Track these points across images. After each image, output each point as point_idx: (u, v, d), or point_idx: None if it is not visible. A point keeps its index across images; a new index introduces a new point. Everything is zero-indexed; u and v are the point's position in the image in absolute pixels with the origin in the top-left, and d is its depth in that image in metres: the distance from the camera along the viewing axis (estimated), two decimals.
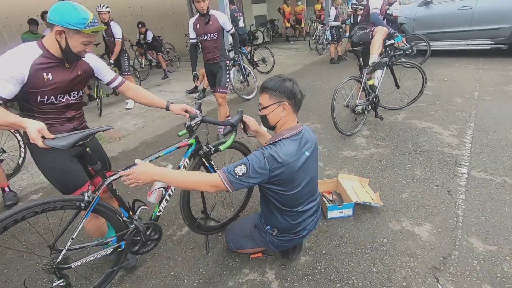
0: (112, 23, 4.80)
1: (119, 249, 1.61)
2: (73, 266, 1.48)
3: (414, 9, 6.61)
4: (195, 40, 3.13)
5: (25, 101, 1.41)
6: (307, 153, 1.45)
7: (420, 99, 4.23)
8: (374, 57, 3.34)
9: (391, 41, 3.42)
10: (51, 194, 2.86)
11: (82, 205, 1.39)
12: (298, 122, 1.50)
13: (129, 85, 1.77)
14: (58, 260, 1.38)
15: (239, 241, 1.81)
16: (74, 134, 1.33)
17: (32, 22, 6.01)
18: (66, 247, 1.39)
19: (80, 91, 1.58)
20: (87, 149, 1.43)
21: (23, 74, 1.31)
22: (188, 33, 3.25)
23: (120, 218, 1.58)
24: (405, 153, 2.92)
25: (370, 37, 3.40)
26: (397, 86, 3.78)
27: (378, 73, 3.51)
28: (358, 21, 3.45)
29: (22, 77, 1.31)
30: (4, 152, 3.16)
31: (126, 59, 5.18)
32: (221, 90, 3.28)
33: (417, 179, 2.49)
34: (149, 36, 7.25)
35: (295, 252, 1.77)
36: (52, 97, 1.43)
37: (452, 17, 6.20)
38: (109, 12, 4.68)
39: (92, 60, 1.59)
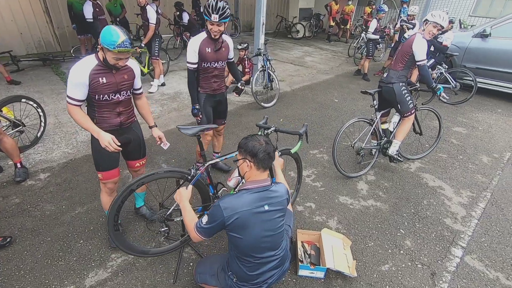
0: (148, 8, 4.84)
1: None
2: (175, 220, 2.09)
3: (468, 39, 6.01)
4: (196, 66, 2.55)
5: (89, 98, 1.87)
6: (266, 207, 1.58)
7: (443, 149, 3.98)
8: (397, 145, 3.24)
9: (416, 86, 3.19)
10: (57, 175, 3.06)
11: (189, 177, 1.94)
12: (268, 177, 1.63)
13: (143, 99, 2.20)
14: (167, 213, 1.98)
15: (206, 277, 1.88)
16: (195, 127, 1.95)
17: None
18: (174, 206, 1.95)
19: (128, 91, 1.99)
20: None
21: (86, 80, 1.75)
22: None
23: (208, 193, 2.16)
24: (404, 214, 2.79)
25: (398, 97, 3.04)
26: (419, 133, 3.52)
27: (396, 118, 3.30)
28: (394, 58, 3.15)
29: (85, 81, 1.76)
30: (24, 125, 3.40)
31: (157, 44, 5.24)
32: (224, 122, 3.04)
33: (405, 251, 2.39)
34: (185, 18, 7.22)
35: None
36: (106, 95, 1.85)
37: (511, 56, 5.58)
38: None
39: (136, 68, 2.02)
